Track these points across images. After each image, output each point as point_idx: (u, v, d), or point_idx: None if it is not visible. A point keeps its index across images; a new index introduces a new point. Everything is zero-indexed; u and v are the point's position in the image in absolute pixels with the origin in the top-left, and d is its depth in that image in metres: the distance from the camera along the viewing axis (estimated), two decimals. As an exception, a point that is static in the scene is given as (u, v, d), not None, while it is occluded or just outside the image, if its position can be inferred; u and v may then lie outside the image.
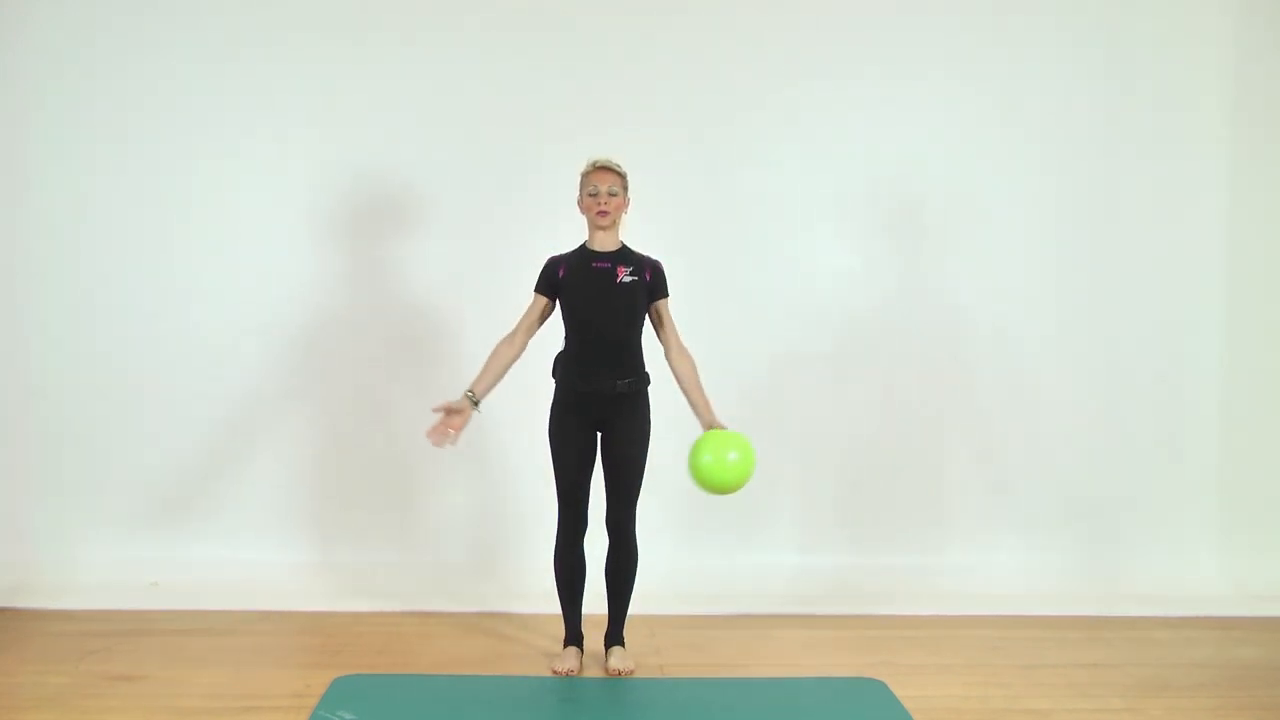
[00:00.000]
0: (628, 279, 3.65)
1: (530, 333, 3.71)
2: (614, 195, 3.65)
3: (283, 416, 4.72)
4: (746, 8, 4.75)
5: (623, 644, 3.81)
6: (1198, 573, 4.78)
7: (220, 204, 4.67)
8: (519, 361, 3.69)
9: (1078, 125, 4.82)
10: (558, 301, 3.70)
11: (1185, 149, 4.86)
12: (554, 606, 3.86)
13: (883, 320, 4.82)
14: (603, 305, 3.62)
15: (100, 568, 4.56)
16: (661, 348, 3.73)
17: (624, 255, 3.69)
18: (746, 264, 4.79)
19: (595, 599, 3.87)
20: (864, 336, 4.81)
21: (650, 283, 3.68)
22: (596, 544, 3.78)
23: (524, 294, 3.72)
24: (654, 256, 3.73)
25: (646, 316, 3.71)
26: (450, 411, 3.58)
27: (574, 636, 3.82)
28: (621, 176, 3.68)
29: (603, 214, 3.64)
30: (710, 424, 3.61)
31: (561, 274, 3.67)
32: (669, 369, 3.70)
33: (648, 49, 4.72)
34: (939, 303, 4.82)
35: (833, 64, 4.76)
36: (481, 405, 3.62)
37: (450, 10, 4.69)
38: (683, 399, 3.70)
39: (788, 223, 4.79)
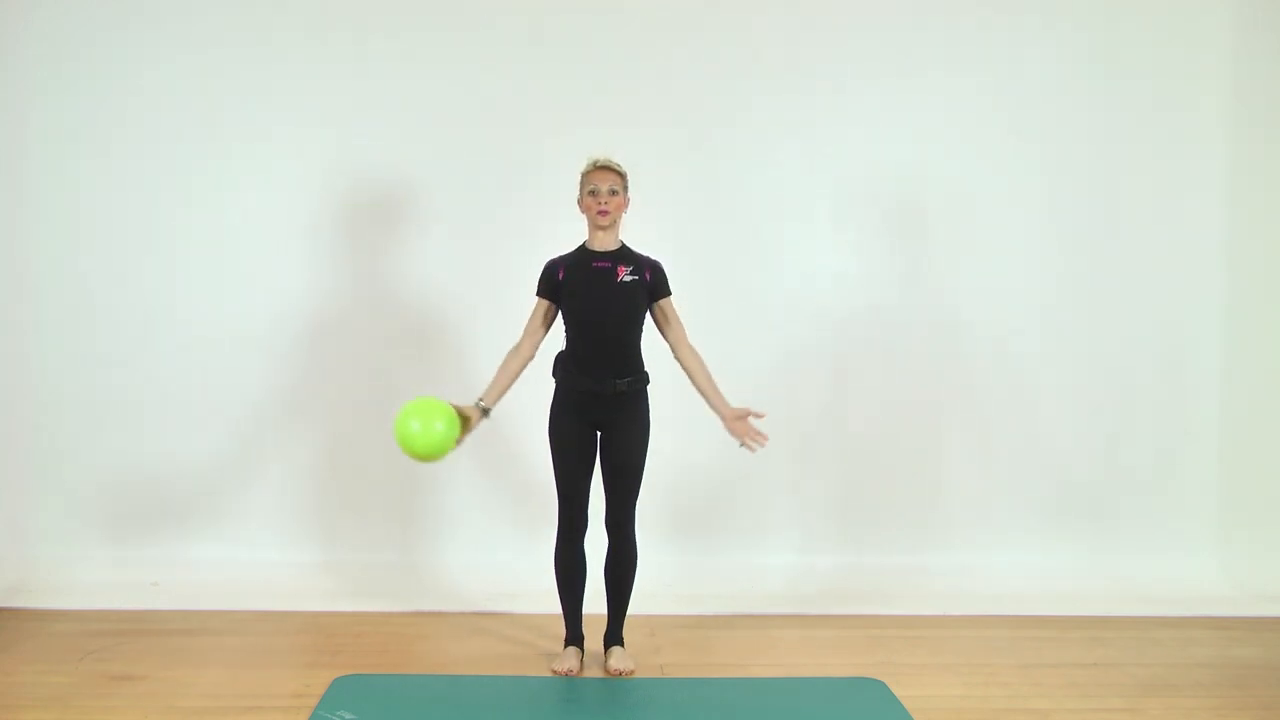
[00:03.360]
0: (628, 278, 3.64)
1: (535, 337, 3.70)
2: (614, 194, 3.65)
3: (283, 416, 4.71)
4: (748, 9, 4.75)
5: (622, 644, 3.82)
6: (1198, 573, 4.77)
7: (220, 205, 4.67)
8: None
9: (1077, 125, 4.81)
10: (559, 303, 3.70)
11: (1185, 149, 4.85)
12: (554, 606, 3.86)
13: (882, 320, 4.81)
14: (603, 305, 3.61)
15: (100, 568, 4.56)
16: (668, 347, 3.73)
17: (624, 255, 3.68)
18: (745, 264, 4.79)
19: (596, 599, 3.87)
20: (864, 336, 4.81)
21: (650, 282, 3.67)
22: (597, 545, 3.79)
23: (526, 293, 3.72)
24: (654, 256, 3.73)
25: (648, 316, 3.71)
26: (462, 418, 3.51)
27: (574, 636, 3.82)
28: (621, 176, 3.68)
29: (603, 213, 3.63)
30: (725, 414, 3.64)
31: (561, 276, 3.66)
32: (680, 366, 3.71)
33: (649, 50, 4.71)
34: (938, 302, 4.82)
35: (832, 65, 4.76)
36: (491, 412, 3.62)
37: (451, 9, 4.68)
38: (680, 398, 3.70)
39: (786, 223, 4.79)
